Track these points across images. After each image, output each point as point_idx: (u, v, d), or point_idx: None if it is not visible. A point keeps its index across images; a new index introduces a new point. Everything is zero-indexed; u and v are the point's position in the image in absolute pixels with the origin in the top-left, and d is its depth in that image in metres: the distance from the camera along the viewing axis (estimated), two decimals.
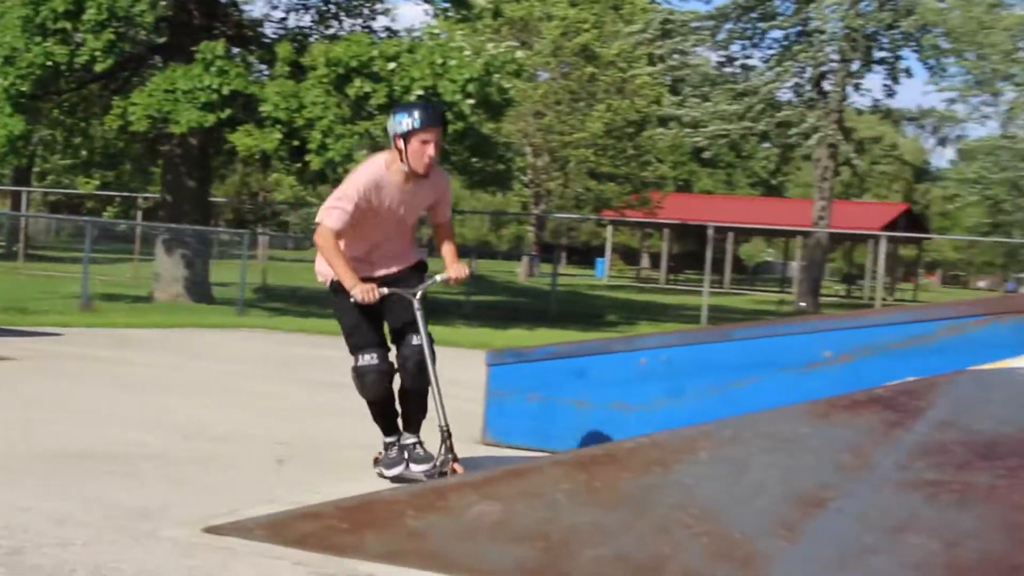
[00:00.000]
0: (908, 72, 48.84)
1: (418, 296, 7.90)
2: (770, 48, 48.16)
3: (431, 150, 7.65)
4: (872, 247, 45.53)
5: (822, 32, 45.95)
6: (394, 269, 8.16)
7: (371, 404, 8.17)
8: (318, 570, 5.82)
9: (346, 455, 9.47)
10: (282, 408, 12.20)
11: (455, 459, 7.67)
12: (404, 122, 7.61)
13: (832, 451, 6.46)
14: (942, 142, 61.62)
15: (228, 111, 26.19)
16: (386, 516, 6.22)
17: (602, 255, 73.31)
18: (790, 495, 6.05)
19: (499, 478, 6.59)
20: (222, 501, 7.23)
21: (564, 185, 49.00)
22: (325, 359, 17.27)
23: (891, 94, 49.86)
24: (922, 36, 46.64)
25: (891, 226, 62.86)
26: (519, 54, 27.96)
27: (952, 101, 49.49)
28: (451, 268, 8.10)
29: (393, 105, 8.30)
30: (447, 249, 8.25)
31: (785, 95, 47.83)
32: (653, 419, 8.50)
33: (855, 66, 46.72)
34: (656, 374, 9.15)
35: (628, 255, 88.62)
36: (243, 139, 26.35)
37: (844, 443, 6.53)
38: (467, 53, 25.36)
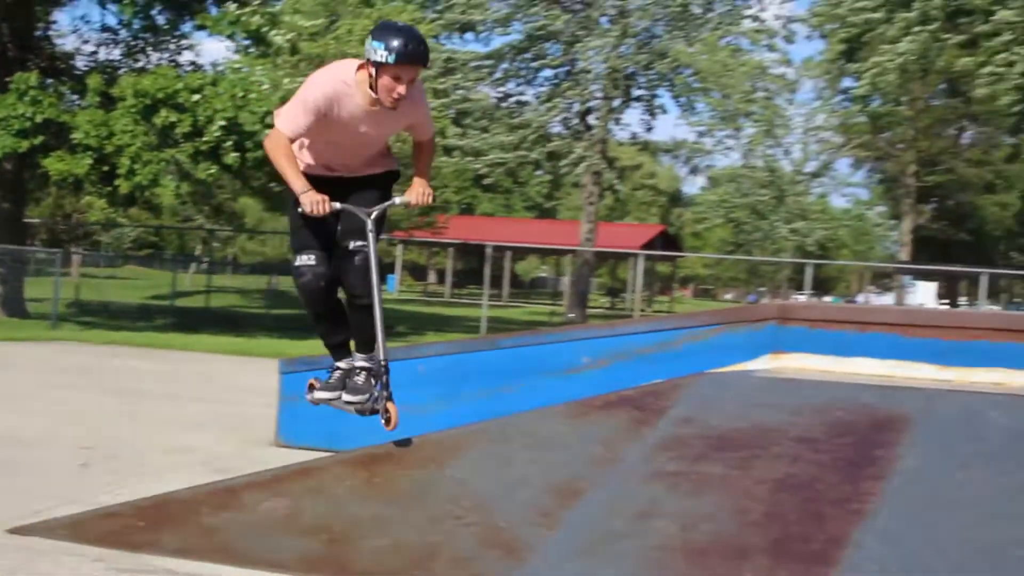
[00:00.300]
0: (663, 108, 49.88)
1: (373, 216, 6.57)
2: (542, 86, 48.66)
3: (401, 89, 6.21)
4: (632, 264, 46.43)
5: (588, 72, 46.59)
6: (362, 173, 6.82)
7: (315, 316, 6.83)
8: (115, 565, 5.70)
9: (147, 458, 9.28)
10: (89, 415, 11.86)
11: (389, 397, 6.50)
12: (378, 52, 6.12)
13: (587, 447, 6.55)
14: (693, 171, 62.95)
15: (41, 138, 25.47)
16: (181, 514, 6.11)
17: (393, 271, 73.31)
18: (550, 487, 6.12)
19: (287, 476, 6.53)
20: (28, 503, 7.01)
21: None
22: (132, 369, 16.91)
23: (649, 128, 51.06)
24: (675, 77, 47.66)
25: (649, 245, 64.08)
26: None
27: (701, 134, 50.69)
28: (413, 190, 6.69)
29: (372, 30, 6.53)
30: (417, 169, 6.85)
31: (555, 128, 48.36)
32: (431, 421, 8.49)
33: (617, 102, 47.49)
34: (433, 380, 9.16)
35: (416, 271, 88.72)
36: (56, 164, 25.62)
37: (598, 439, 6.63)
38: (265, 87, 25.18)
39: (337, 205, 6.46)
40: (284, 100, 24.71)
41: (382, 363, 6.50)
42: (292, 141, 6.43)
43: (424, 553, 5.67)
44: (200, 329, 27.43)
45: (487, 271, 34.03)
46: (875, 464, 6.11)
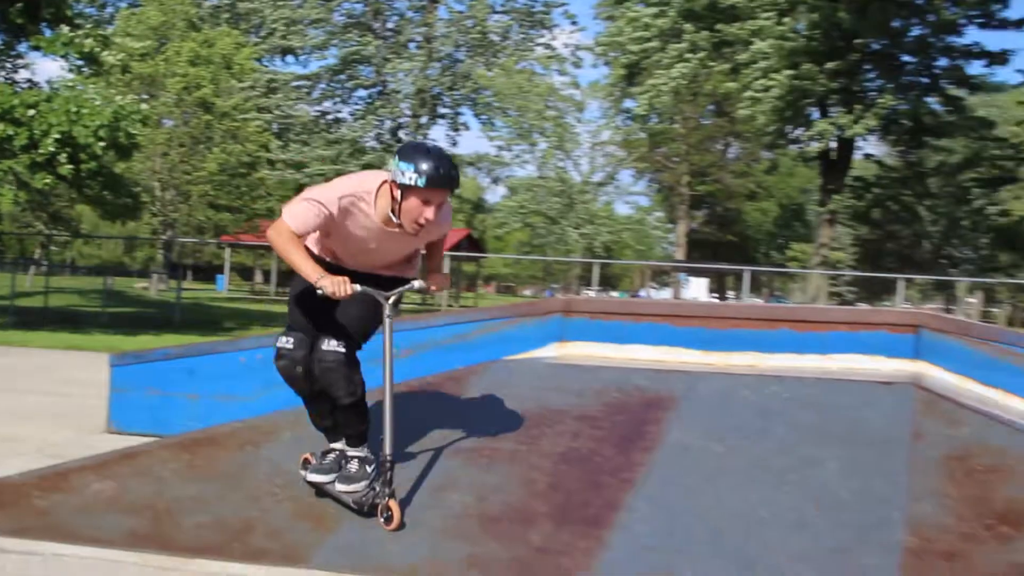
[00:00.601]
0: (466, 125, 50.17)
1: (391, 301, 5.62)
2: (356, 104, 48.53)
3: (429, 214, 5.35)
4: None
5: (398, 92, 46.63)
6: (377, 273, 5.79)
7: (302, 399, 5.88)
8: None
9: None
10: None
11: (391, 495, 5.49)
12: (407, 175, 5.25)
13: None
14: (494, 181, 63.33)
15: None
16: (13, 497, 5.90)
17: (222, 272, 72.05)
18: None
19: (115, 460, 6.36)
20: None
21: (188, 215, 47.74)
22: None
23: (454, 143, 51.18)
24: (477, 97, 47.95)
25: (456, 247, 64.02)
26: (144, 106, 27.20)
27: (500, 148, 51.09)
28: (431, 278, 5.82)
29: (398, 149, 5.41)
30: (432, 265, 6.02)
31: (369, 142, 48.18)
32: (253, 407, 8.37)
33: (424, 119, 47.59)
34: (254, 370, 9.03)
35: (244, 272, 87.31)
36: None
37: (402, 421, 6.61)
38: (98, 103, 24.45)
39: (358, 287, 5.40)
40: (116, 115, 24.28)
41: (388, 458, 5.50)
42: (301, 238, 5.44)
43: (242, 527, 5.59)
44: (40, 327, 26.51)
45: None
46: (645, 438, 6.25)
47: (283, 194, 68.65)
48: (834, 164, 39.52)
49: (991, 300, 73.71)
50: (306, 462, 6.00)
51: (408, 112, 47.17)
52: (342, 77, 47.57)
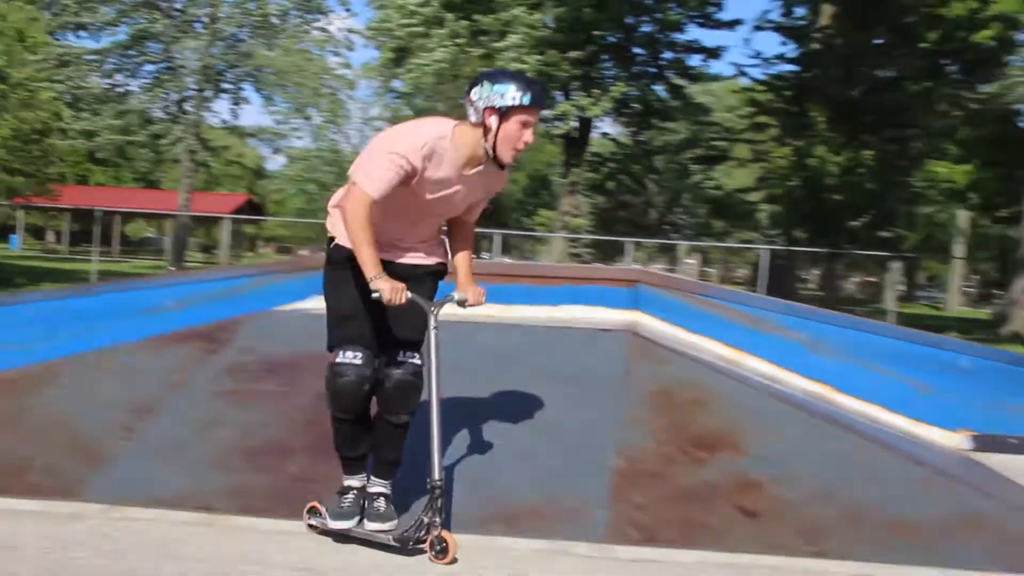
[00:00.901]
0: (247, 100, 49.02)
1: (436, 314, 4.63)
2: (145, 78, 46.67)
3: (528, 136, 4.44)
4: (223, 226, 45.40)
5: (184, 67, 45.10)
6: (414, 261, 4.76)
7: (340, 421, 4.69)
8: None
9: None
10: None
11: (443, 525, 4.52)
12: (508, 95, 4.36)
13: (164, 372, 6.39)
14: (275, 151, 62.18)
15: None
16: None
17: (15, 232, 68.65)
18: (131, 406, 5.94)
19: None
20: None
21: None
22: None
23: (236, 116, 49.97)
24: (258, 74, 46.87)
25: (238, 211, 62.60)
26: None
27: (279, 122, 50.04)
28: (471, 290, 4.81)
29: (485, 76, 4.47)
30: (463, 262, 4.89)
31: (157, 113, 46.54)
32: (35, 355, 8.02)
33: (208, 93, 46.19)
34: (37, 320, 8.64)
35: (37, 232, 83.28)
36: None
37: (174, 366, 6.47)
38: None
39: (410, 294, 4.47)
40: None
41: (437, 484, 4.51)
42: (374, 206, 4.38)
43: (19, 466, 5.37)
44: None
45: (96, 231, 32.61)
46: None
47: (75, 160, 65.75)
48: (575, 141, 40.34)
49: (707, 261, 76.92)
50: (313, 510, 4.85)
51: (194, 86, 45.66)
52: (132, 52, 45.67)
